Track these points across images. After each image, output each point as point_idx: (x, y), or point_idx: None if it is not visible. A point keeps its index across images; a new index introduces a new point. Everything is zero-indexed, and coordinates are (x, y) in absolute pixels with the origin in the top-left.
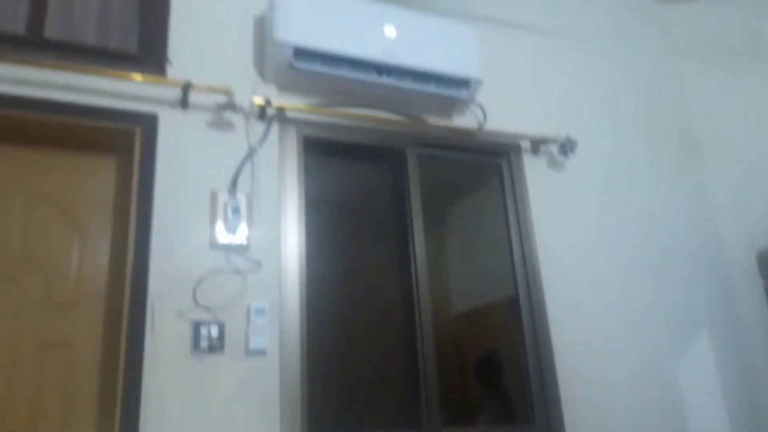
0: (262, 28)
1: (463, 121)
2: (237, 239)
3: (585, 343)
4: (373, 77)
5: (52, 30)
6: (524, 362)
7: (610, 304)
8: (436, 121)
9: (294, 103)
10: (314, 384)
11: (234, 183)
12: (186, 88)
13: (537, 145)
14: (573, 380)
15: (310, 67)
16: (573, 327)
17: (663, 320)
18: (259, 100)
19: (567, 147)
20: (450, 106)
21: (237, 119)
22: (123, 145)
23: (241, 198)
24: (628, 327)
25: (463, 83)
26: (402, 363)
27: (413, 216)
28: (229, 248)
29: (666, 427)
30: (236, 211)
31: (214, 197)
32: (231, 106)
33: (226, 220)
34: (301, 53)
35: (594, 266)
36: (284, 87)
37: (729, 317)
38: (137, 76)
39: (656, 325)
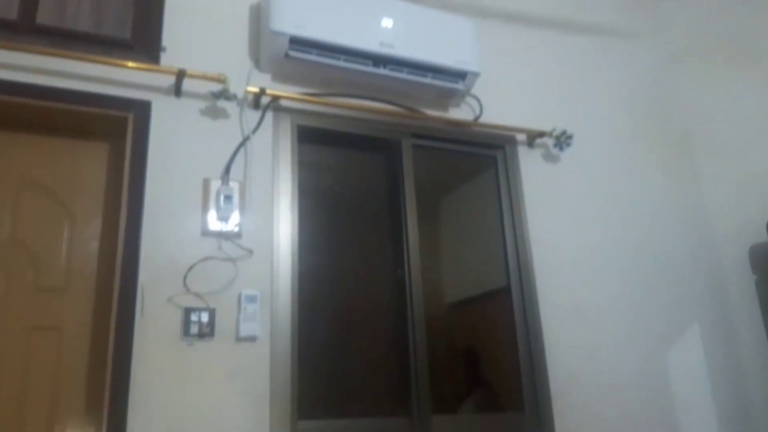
0: (257, 16)
1: (459, 113)
2: (229, 227)
3: (576, 333)
4: (369, 68)
5: (45, 16)
6: (515, 352)
7: (602, 297)
8: (431, 112)
9: (289, 92)
10: (305, 371)
11: (227, 171)
12: (180, 75)
13: (533, 138)
14: (563, 370)
15: (305, 57)
16: (564, 318)
17: (655, 313)
18: (253, 89)
19: (562, 141)
20: (446, 97)
21: (231, 107)
22: (115, 131)
23: (234, 186)
24: (619, 319)
25: (459, 75)
26: (393, 351)
27: (407, 206)
28: (220, 235)
29: (655, 419)
30: (229, 198)
31: (206, 185)
32: (225, 94)
33: (218, 207)
34: (297, 43)
35: (586, 259)
36: (279, 76)
37: (720, 311)
38: (130, 64)
39: (648, 318)
